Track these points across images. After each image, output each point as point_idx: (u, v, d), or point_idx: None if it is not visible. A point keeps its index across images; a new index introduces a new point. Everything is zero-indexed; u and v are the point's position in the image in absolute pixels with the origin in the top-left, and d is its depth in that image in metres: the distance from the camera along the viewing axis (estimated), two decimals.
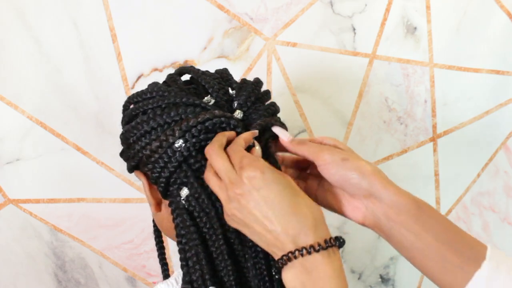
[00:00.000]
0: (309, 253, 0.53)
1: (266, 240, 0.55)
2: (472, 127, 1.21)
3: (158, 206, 0.65)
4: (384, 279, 1.28)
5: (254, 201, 0.54)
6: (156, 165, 0.60)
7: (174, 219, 0.60)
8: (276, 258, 0.55)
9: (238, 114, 0.63)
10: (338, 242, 0.55)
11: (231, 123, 0.60)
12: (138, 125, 0.62)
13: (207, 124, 0.59)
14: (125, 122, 0.66)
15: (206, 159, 0.59)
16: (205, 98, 0.63)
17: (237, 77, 1.07)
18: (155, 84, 0.66)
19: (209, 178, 0.58)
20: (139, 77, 1.03)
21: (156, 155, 0.60)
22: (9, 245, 1.05)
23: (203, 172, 0.59)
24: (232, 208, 0.56)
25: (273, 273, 0.60)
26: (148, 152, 0.60)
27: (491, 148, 1.25)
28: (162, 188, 0.61)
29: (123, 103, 0.69)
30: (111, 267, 1.09)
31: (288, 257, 0.53)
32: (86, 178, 1.05)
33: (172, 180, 0.61)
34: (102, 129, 1.03)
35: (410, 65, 1.15)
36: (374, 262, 1.26)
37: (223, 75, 0.68)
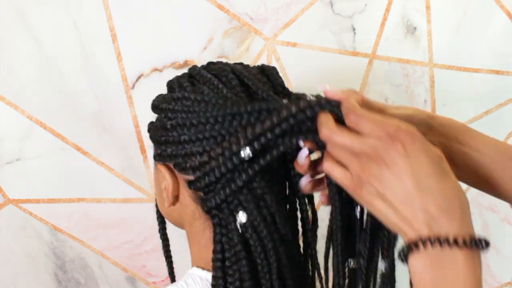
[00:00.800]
0: (449, 246, 0.44)
1: (397, 216, 0.46)
2: (472, 127, 1.21)
3: (175, 201, 0.63)
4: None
5: (398, 171, 0.46)
6: (204, 180, 0.55)
7: (217, 241, 0.56)
8: (405, 239, 0.47)
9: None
10: (485, 244, 0.46)
11: (311, 113, 0.53)
12: (195, 127, 0.57)
13: (276, 131, 0.52)
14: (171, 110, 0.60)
15: (268, 186, 0.55)
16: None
17: None
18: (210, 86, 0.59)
19: (331, 168, 0.51)
20: (139, 77, 1.03)
21: (216, 165, 0.54)
22: (9, 245, 1.05)
23: (263, 199, 0.55)
24: (370, 182, 0.48)
25: None
26: (203, 160, 0.55)
27: None
28: (211, 204, 0.56)
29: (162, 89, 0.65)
30: (111, 267, 1.09)
31: (423, 243, 0.45)
32: (86, 178, 1.05)
33: (227, 198, 0.56)
34: (102, 129, 1.03)
35: (410, 65, 1.15)
36: None
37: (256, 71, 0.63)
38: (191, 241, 0.64)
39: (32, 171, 1.02)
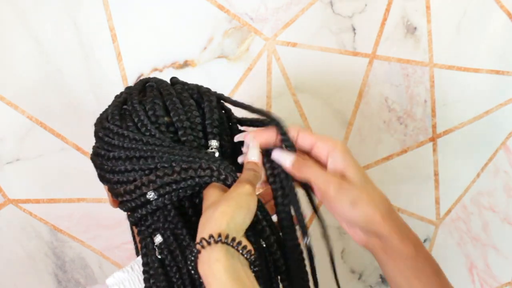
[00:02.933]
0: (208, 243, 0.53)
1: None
2: (472, 127, 1.21)
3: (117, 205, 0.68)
4: (384, 279, 1.28)
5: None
6: (127, 206, 0.62)
7: (143, 255, 0.62)
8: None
9: (213, 145, 0.64)
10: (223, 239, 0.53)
11: (212, 179, 0.60)
12: (116, 161, 0.64)
13: (182, 184, 0.60)
14: (102, 142, 0.68)
15: (179, 213, 0.61)
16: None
17: (237, 78, 1.08)
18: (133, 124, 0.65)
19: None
20: (139, 77, 1.03)
21: (128, 198, 0.61)
22: (9, 245, 1.05)
23: (176, 224, 0.61)
24: None
25: None
26: (121, 190, 0.62)
27: (491, 148, 1.25)
28: (131, 219, 0.63)
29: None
30: (111, 267, 1.09)
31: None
32: (86, 178, 1.05)
33: (143, 221, 0.63)
34: None
35: (410, 65, 1.15)
36: (374, 262, 1.25)
37: (183, 96, 0.67)
38: (136, 238, 0.69)
39: (32, 171, 1.02)
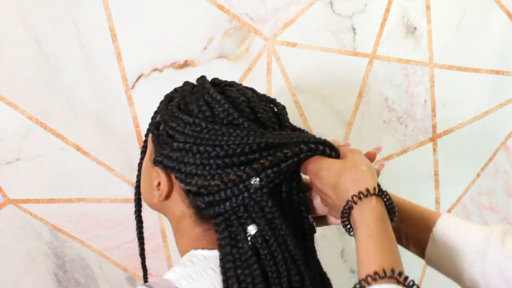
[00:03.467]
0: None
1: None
2: (472, 127, 1.21)
3: (165, 199, 0.67)
4: None
5: None
6: (221, 196, 0.62)
7: (227, 241, 0.62)
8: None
9: None
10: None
11: (316, 152, 0.64)
12: (206, 154, 0.63)
13: (282, 166, 0.62)
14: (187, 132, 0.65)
15: (275, 202, 0.63)
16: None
17: (237, 78, 1.07)
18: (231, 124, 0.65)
19: None
20: (139, 77, 1.03)
21: (227, 189, 0.61)
22: (9, 245, 1.05)
23: (271, 213, 0.62)
24: None
25: None
26: (212, 183, 0.62)
27: (491, 148, 1.25)
28: (209, 213, 0.63)
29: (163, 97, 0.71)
30: (111, 267, 1.09)
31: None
32: (86, 178, 1.05)
33: (237, 213, 0.63)
34: (102, 129, 1.03)
35: (410, 65, 1.15)
36: None
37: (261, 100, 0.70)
38: (178, 234, 0.69)
39: (32, 171, 1.02)
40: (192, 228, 0.66)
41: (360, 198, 0.60)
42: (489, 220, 1.27)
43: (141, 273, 1.11)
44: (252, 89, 0.71)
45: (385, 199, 0.61)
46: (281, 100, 1.09)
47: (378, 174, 0.68)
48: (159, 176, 0.67)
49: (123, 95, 1.02)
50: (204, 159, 0.63)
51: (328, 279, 0.68)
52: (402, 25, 1.13)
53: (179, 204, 0.67)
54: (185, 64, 1.04)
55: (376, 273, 0.55)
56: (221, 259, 0.62)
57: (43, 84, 0.99)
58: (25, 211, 1.04)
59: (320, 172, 0.64)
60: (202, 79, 0.71)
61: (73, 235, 1.07)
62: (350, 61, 1.12)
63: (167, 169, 0.65)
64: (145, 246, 0.80)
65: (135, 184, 0.78)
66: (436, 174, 1.23)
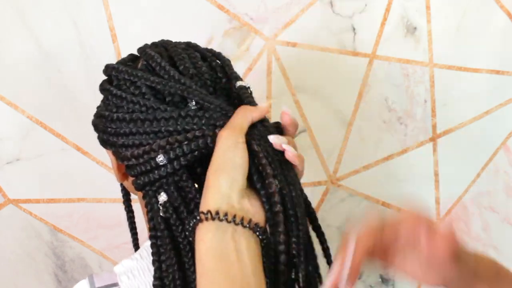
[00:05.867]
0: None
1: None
2: (472, 127, 1.21)
3: (124, 177, 0.66)
4: (384, 279, 1.28)
5: None
6: (135, 170, 0.59)
7: (148, 220, 0.59)
8: None
9: (242, 84, 0.62)
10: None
11: (208, 142, 0.57)
12: (122, 122, 0.61)
13: (186, 144, 0.57)
14: (107, 102, 0.65)
15: (188, 173, 0.58)
16: (189, 104, 0.60)
17: None
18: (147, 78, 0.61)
19: None
20: None
21: (137, 163, 0.59)
22: (9, 245, 1.05)
23: (184, 181, 0.58)
24: None
25: None
26: (128, 154, 0.60)
27: (491, 148, 1.25)
28: (137, 186, 0.60)
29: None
30: (111, 267, 1.09)
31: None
32: (86, 178, 1.05)
33: (151, 186, 0.60)
34: None
35: (410, 65, 1.15)
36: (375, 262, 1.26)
37: (189, 51, 0.66)
38: (144, 216, 0.66)
39: (32, 171, 1.02)
40: None
41: (206, 219, 0.52)
42: (489, 220, 1.27)
43: None
44: (188, 46, 0.68)
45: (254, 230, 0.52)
46: (281, 100, 1.10)
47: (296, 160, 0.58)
48: (110, 156, 0.67)
49: None
50: (123, 127, 0.61)
51: None
52: (402, 25, 1.13)
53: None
54: None
55: None
56: (149, 237, 0.59)
57: (43, 84, 0.99)
58: (25, 211, 1.04)
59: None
60: (141, 49, 0.69)
61: (73, 235, 1.07)
62: (350, 61, 1.12)
63: (105, 146, 0.66)
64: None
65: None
66: (436, 174, 1.23)
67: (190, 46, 0.68)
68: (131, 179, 0.64)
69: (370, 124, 1.16)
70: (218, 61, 0.66)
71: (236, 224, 0.51)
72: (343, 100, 1.14)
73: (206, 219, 0.51)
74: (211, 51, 0.68)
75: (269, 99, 1.00)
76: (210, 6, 1.03)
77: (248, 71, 1.07)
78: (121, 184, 0.76)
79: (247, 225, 0.52)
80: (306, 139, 1.13)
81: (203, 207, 0.52)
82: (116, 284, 0.60)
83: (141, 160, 0.58)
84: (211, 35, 1.04)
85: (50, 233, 1.06)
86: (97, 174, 1.04)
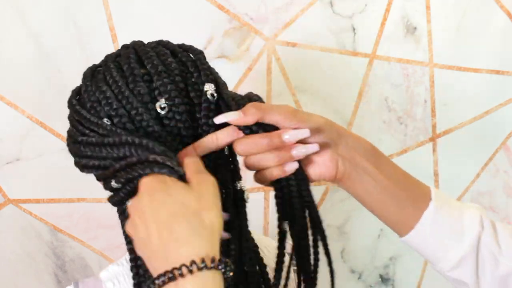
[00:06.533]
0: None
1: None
2: (472, 127, 1.22)
3: None
4: (384, 279, 1.28)
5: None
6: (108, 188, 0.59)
7: (122, 227, 0.60)
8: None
9: (209, 89, 0.58)
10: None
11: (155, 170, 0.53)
12: (88, 146, 0.60)
13: (139, 172, 0.54)
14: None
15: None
16: (157, 103, 0.57)
17: (237, 78, 1.07)
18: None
19: None
20: None
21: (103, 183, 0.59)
22: (9, 245, 1.05)
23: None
24: None
25: None
26: (97, 176, 0.61)
27: (491, 148, 1.25)
28: (113, 205, 0.61)
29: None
30: None
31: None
32: (86, 178, 1.05)
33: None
34: None
35: (410, 65, 1.15)
36: (374, 262, 1.26)
37: (158, 49, 0.64)
38: None
39: (32, 171, 1.02)
40: None
41: (190, 272, 0.43)
42: None
43: None
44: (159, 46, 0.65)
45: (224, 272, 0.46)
46: (281, 100, 1.10)
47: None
48: None
49: None
50: (89, 150, 0.60)
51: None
52: (402, 25, 1.13)
53: None
54: None
55: None
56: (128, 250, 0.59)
57: (43, 84, 0.99)
58: (25, 211, 1.04)
59: (141, 201, 0.49)
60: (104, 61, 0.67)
61: (73, 235, 1.07)
62: (350, 61, 1.12)
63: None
64: None
65: None
66: (436, 174, 1.23)
67: (159, 44, 0.66)
68: None
69: (370, 124, 1.16)
70: (190, 55, 0.63)
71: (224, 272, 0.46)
72: (343, 100, 1.14)
73: (200, 269, 0.44)
74: (182, 46, 0.66)
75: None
76: (210, 6, 1.03)
77: (248, 71, 1.07)
78: None
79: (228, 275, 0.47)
80: None
81: (188, 255, 0.45)
82: None
83: (102, 181, 0.59)
84: (211, 35, 1.04)
85: (50, 233, 1.06)
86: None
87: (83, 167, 0.61)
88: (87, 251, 1.08)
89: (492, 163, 1.25)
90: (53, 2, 0.97)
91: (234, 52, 1.06)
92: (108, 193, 0.63)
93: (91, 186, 1.06)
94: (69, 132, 0.63)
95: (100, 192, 1.09)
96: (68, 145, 0.64)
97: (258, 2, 1.05)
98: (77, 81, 1.00)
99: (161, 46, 0.64)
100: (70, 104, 0.64)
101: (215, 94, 0.58)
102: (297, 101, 1.11)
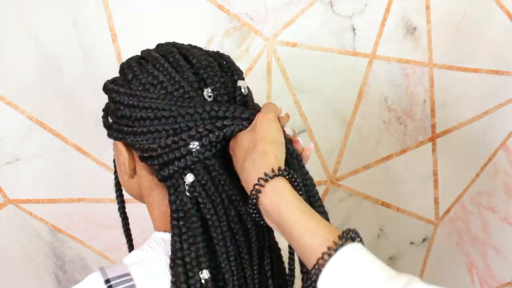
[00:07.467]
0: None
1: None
2: (472, 127, 1.22)
3: (133, 173, 0.67)
4: None
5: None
6: (161, 160, 0.61)
7: (172, 201, 0.61)
8: None
9: (243, 85, 0.66)
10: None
11: (241, 126, 0.61)
12: (147, 120, 0.62)
13: (224, 131, 0.61)
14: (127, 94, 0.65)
15: (217, 156, 0.62)
16: (205, 91, 0.63)
17: None
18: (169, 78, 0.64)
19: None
20: None
21: (163, 152, 0.61)
22: (9, 245, 1.05)
23: (208, 159, 0.61)
24: None
25: (273, 267, 0.62)
26: (155, 146, 0.61)
27: (491, 148, 1.25)
28: (164, 173, 0.62)
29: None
30: None
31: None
32: (86, 178, 1.05)
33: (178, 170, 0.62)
34: (102, 129, 1.03)
35: (409, 65, 1.15)
36: None
37: (220, 62, 0.68)
38: (151, 210, 0.68)
39: (32, 171, 1.02)
40: (162, 200, 0.65)
41: (266, 181, 0.56)
42: (489, 220, 1.27)
43: None
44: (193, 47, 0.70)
45: (291, 178, 0.58)
46: (281, 100, 1.10)
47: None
48: (121, 151, 0.67)
49: None
50: (142, 125, 0.62)
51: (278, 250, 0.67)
52: (402, 25, 1.13)
53: (144, 175, 0.66)
54: None
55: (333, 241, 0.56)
56: (170, 221, 0.61)
57: (43, 84, 0.99)
58: (25, 211, 1.04)
59: (233, 150, 0.61)
60: (145, 51, 0.71)
61: (73, 235, 1.07)
62: (350, 61, 1.12)
63: (117, 139, 0.66)
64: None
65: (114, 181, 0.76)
66: (435, 174, 1.23)
67: (192, 47, 0.71)
68: (141, 175, 0.66)
69: (370, 124, 1.17)
70: (221, 59, 0.69)
71: (293, 181, 0.58)
72: (343, 100, 1.14)
73: (277, 175, 0.56)
74: (212, 51, 0.71)
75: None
76: (210, 6, 1.03)
77: (248, 71, 1.07)
78: (116, 185, 0.76)
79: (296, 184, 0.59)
80: (306, 139, 1.13)
81: (264, 170, 0.56)
82: (128, 275, 0.60)
83: (170, 149, 0.61)
84: (211, 35, 1.04)
85: (50, 233, 1.06)
86: (97, 174, 1.04)
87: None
88: (87, 251, 1.08)
89: (492, 163, 1.25)
90: (53, 2, 0.97)
91: (234, 52, 1.06)
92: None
93: (91, 186, 1.06)
94: (117, 112, 0.65)
95: (100, 192, 1.09)
96: (115, 112, 0.65)
97: (258, 2, 1.05)
98: (77, 81, 1.01)
99: (196, 48, 0.70)
100: (122, 86, 0.66)
101: (247, 90, 0.66)
102: (297, 101, 1.11)
